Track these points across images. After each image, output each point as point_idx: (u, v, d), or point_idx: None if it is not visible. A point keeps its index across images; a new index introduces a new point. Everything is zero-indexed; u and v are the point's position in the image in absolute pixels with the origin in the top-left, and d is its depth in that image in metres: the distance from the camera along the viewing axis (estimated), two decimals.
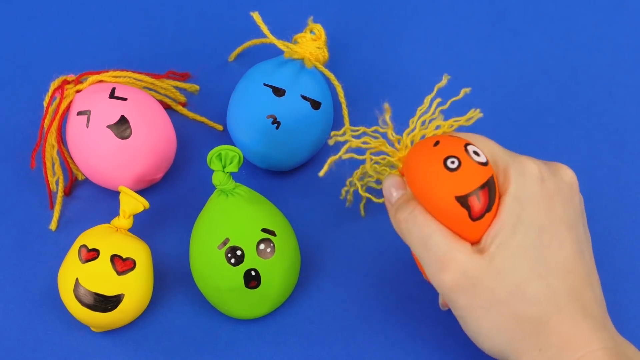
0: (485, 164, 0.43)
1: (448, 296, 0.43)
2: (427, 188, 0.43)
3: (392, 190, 0.45)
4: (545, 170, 0.44)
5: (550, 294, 0.41)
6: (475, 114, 0.45)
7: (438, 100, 0.45)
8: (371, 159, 0.47)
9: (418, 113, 0.46)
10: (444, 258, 0.42)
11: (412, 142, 0.46)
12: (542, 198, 0.43)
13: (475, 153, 0.43)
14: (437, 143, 0.43)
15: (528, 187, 0.43)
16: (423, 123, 0.45)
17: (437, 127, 0.46)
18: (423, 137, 0.46)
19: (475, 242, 0.43)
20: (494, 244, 0.42)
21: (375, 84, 0.61)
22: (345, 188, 0.53)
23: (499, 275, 0.42)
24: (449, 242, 0.42)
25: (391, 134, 0.45)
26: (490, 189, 0.42)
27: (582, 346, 0.41)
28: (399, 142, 0.46)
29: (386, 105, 0.45)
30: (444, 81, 0.45)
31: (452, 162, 0.42)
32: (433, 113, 0.45)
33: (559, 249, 0.42)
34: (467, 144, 0.43)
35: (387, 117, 0.45)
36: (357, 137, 0.46)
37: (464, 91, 0.45)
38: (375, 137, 0.46)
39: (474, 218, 0.42)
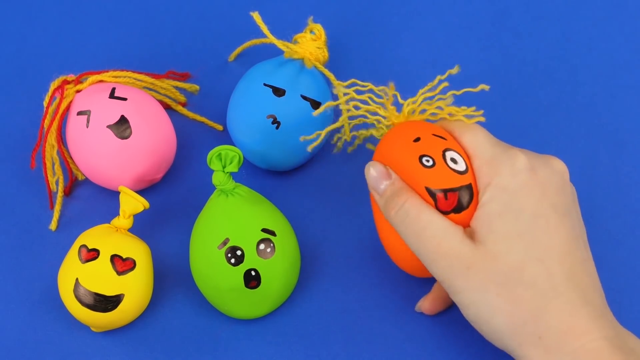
0: (461, 172, 0.44)
1: (445, 283, 0.43)
2: (401, 175, 0.45)
3: (379, 182, 0.45)
4: (536, 160, 0.44)
5: (548, 277, 0.41)
6: (477, 115, 0.46)
7: (445, 84, 0.46)
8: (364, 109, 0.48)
9: (428, 86, 0.47)
10: (438, 247, 0.42)
11: (412, 112, 0.47)
12: (533, 187, 0.43)
13: (453, 160, 0.44)
14: (418, 139, 0.45)
15: (518, 177, 0.43)
16: (429, 99, 0.47)
17: (439, 108, 0.47)
18: (423, 111, 0.47)
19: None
20: (483, 230, 0.42)
21: (375, 84, 0.61)
22: (338, 134, 0.52)
23: (493, 259, 0.42)
24: (442, 230, 0.43)
25: (392, 94, 0.47)
26: (462, 196, 0.43)
27: (582, 334, 0.40)
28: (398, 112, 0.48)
29: (391, 85, 0.47)
30: (455, 69, 0.46)
31: (427, 161, 0.44)
32: (440, 92, 0.47)
33: (555, 233, 0.42)
34: (446, 150, 0.44)
35: (391, 93, 0.47)
36: (361, 93, 0.48)
37: (482, 87, 0.46)
38: (379, 97, 0.48)
39: (440, 210, 0.43)
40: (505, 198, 0.43)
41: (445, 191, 0.43)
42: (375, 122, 0.48)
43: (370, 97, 0.48)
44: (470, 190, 0.44)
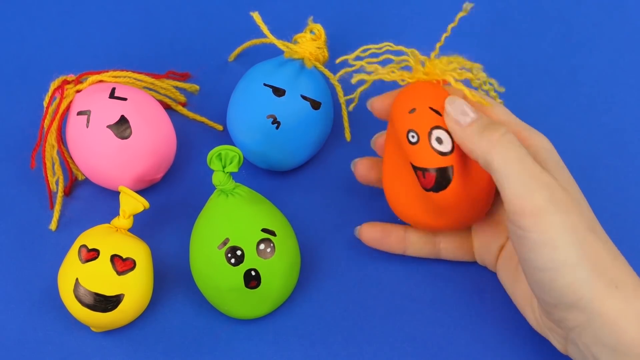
0: (444, 153, 0.44)
1: (541, 214, 0.41)
2: (390, 146, 0.48)
3: (468, 110, 0.44)
4: None
5: (607, 240, 0.43)
6: (494, 95, 0.48)
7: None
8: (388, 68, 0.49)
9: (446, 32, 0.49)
10: (541, 175, 0.42)
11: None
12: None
13: (438, 140, 0.44)
14: (413, 110, 0.45)
15: (547, 142, 0.47)
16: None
17: (462, 68, 0.48)
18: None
19: (414, 207, 0.47)
20: (557, 177, 0.43)
21: (375, 84, 0.61)
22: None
23: (577, 204, 0.42)
24: (537, 164, 0.43)
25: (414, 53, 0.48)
26: (439, 177, 0.44)
27: None
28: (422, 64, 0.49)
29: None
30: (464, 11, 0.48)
31: (413, 137, 0.45)
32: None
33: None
34: (434, 127, 0.45)
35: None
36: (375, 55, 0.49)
37: (469, 5, 0.48)
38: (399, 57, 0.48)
39: (422, 187, 0.45)
40: (550, 154, 0.45)
41: (423, 170, 0.45)
42: (399, 80, 0.48)
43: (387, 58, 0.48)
44: (449, 172, 0.44)
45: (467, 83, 0.52)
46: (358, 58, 0.49)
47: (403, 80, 0.48)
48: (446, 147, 0.44)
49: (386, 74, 0.48)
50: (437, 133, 0.45)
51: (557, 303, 0.42)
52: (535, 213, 0.41)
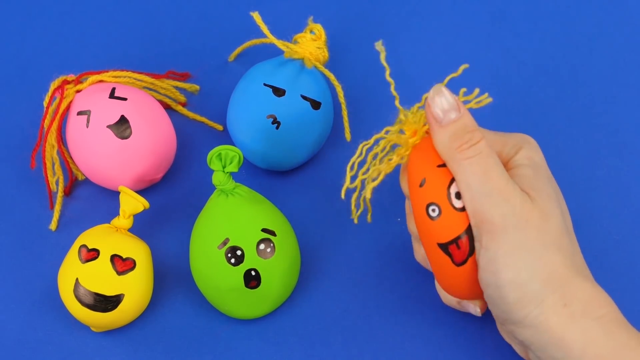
0: (463, 209, 0.42)
1: (497, 232, 0.41)
2: (417, 225, 0.45)
3: (449, 112, 0.43)
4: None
5: (574, 253, 0.43)
6: (484, 99, 0.45)
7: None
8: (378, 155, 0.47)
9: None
10: (504, 188, 0.41)
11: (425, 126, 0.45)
12: (543, 159, 0.45)
13: (457, 196, 0.42)
14: (423, 182, 0.43)
15: (537, 150, 0.45)
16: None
17: None
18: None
19: (461, 289, 0.44)
20: (532, 189, 0.42)
21: (375, 84, 0.61)
22: (355, 199, 0.49)
23: (545, 219, 0.42)
24: (507, 177, 0.42)
25: (401, 110, 0.45)
26: (470, 237, 0.43)
27: (604, 305, 0.41)
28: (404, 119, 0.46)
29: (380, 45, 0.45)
30: (459, 71, 0.45)
31: (433, 211, 0.43)
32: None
33: (567, 212, 0.45)
34: (450, 183, 0.43)
35: (382, 58, 0.45)
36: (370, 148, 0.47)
37: (463, 67, 0.45)
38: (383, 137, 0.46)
39: (457, 263, 0.43)
40: (533, 164, 0.44)
41: (456, 240, 0.43)
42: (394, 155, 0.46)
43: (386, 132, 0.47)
44: (471, 230, 0.43)
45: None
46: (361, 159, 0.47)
47: (403, 159, 0.45)
48: (462, 202, 0.43)
49: (387, 166, 0.45)
50: (453, 189, 0.43)
51: (506, 318, 0.43)
52: (491, 230, 0.41)
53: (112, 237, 0.49)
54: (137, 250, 0.49)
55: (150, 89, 0.59)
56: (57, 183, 0.56)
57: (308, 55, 0.55)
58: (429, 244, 0.44)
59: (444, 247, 0.43)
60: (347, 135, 0.58)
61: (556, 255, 0.41)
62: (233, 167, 0.48)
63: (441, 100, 0.43)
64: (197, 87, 0.61)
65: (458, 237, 0.42)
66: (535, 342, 0.42)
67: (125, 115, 0.52)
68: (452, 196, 0.43)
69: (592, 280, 0.43)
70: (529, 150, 0.45)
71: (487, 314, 0.50)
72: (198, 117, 0.60)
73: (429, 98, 0.43)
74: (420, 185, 0.43)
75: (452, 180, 0.43)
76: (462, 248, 0.43)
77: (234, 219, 0.48)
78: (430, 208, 0.43)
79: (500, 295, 0.42)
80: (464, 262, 0.43)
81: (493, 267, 0.41)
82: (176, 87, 0.61)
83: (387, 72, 0.45)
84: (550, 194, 0.43)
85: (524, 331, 0.42)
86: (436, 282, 0.48)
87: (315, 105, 0.54)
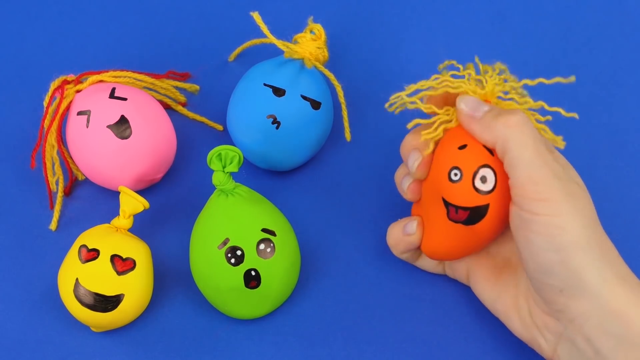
0: (485, 192, 0.44)
1: (543, 192, 0.42)
2: (432, 177, 0.47)
3: (480, 105, 0.45)
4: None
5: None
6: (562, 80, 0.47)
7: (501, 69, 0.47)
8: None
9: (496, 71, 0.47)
10: (552, 163, 0.43)
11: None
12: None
13: (483, 179, 0.44)
14: (463, 147, 0.45)
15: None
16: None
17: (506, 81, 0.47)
18: (505, 93, 0.47)
19: (439, 242, 0.47)
20: (567, 170, 0.44)
21: (375, 84, 0.61)
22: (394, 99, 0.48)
23: (586, 196, 0.44)
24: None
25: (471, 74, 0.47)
26: (473, 214, 0.45)
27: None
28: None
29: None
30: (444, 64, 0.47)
31: (455, 175, 0.45)
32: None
33: None
34: (482, 166, 0.44)
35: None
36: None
37: (572, 79, 0.47)
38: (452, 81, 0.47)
39: (450, 218, 0.46)
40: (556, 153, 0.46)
41: (457, 207, 0.45)
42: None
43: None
44: (485, 209, 0.45)
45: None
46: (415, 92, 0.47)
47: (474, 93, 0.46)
48: (489, 185, 0.44)
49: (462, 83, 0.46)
50: (483, 172, 0.45)
51: (563, 287, 0.41)
52: (547, 198, 0.41)
53: (112, 237, 0.49)
54: (137, 250, 0.49)
55: (150, 89, 0.59)
56: (57, 183, 0.56)
57: (308, 55, 0.55)
58: (433, 195, 0.46)
59: (446, 202, 0.45)
60: (347, 135, 0.58)
61: (602, 231, 0.43)
62: (233, 167, 0.48)
63: (469, 102, 0.45)
64: (197, 87, 0.61)
65: (462, 207, 0.45)
66: (592, 316, 0.41)
67: (125, 115, 0.52)
68: (478, 176, 0.44)
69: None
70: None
71: (487, 313, 0.50)
72: (198, 117, 0.60)
73: (458, 109, 0.45)
74: (460, 148, 0.45)
75: (484, 165, 0.44)
76: (459, 216, 0.45)
77: (234, 219, 0.48)
78: (453, 172, 0.45)
79: (562, 259, 0.41)
80: (454, 221, 0.46)
81: (553, 231, 0.41)
82: (176, 87, 0.61)
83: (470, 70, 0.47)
84: (579, 179, 0.45)
85: (582, 303, 0.41)
86: (392, 233, 0.50)
87: (315, 105, 0.54)
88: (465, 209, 0.45)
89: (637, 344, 0.40)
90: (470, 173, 0.45)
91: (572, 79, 0.46)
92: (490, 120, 0.44)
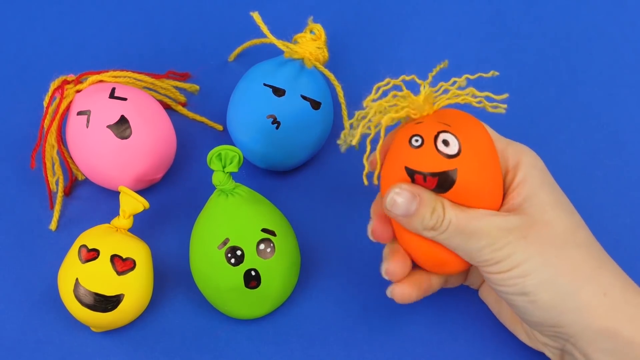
0: (451, 156, 0.43)
1: (505, 261, 0.42)
2: (389, 156, 0.44)
3: (410, 206, 0.43)
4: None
5: (595, 241, 0.43)
6: (500, 106, 0.45)
7: (465, 77, 0.45)
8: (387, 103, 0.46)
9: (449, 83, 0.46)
10: (490, 233, 0.42)
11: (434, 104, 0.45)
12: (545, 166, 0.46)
13: (445, 142, 0.43)
14: (419, 123, 0.44)
15: (537, 157, 0.45)
16: (446, 92, 0.46)
17: (466, 95, 0.46)
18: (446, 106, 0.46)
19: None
20: (530, 202, 0.43)
21: (375, 84, 0.61)
22: (345, 132, 0.47)
23: (546, 226, 0.42)
24: (488, 219, 0.42)
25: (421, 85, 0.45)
26: (443, 180, 0.43)
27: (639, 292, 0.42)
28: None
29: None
30: (444, 63, 0.46)
31: (416, 141, 0.43)
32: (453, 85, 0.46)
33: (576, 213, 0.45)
34: (441, 131, 0.43)
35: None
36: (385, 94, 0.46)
37: (493, 73, 0.46)
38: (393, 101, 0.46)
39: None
40: (538, 173, 0.44)
41: (426, 174, 0.43)
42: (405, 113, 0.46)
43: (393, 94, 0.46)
44: (454, 174, 0.43)
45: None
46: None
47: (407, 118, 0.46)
48: (452, 149, 0.43)
49: (391, 117, 0.45)
50: (444, 136, 0.43)
51: (542, 322, 0.43)
52: (495, 261, 0.42)
53: (112, 237, 0.49)
54: (137, 250, 0.49)
55: (150, 89, 0.59)
56: (57, 183, 0.56)
57: (308, 55, 0.55)
58: (395, 167, 0.44)
59: (410, 172, 0.43)
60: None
61: (574, 251, 0.42)
62: (233, 167, 0.48)
63: (401, 199, 0.43)
64: (197, 87, 0.61)
65: (430, 174, 0.43)
66: (584, 335, 0.42)
67: (125, 115, 0.53)
68: (440, 140, 0.43)
69: (617, 268, 0.43)
70: (526, 155, 0.45)
71: (487, 313, 0.50)
72: (198, 117, 0.60)
73: (387, 205, 0.43)
74: (417, 123, 0.44)
75: (443, 131, 0.43)
76: (428, 184, 0.43)
77: (234, 219, 0.48)
78: (414, 138, 0.43)
79: (532, 300, 0.42)
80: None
81: (515, 280, 0.42)
82: (176, 87, 0.61)
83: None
84: (555, 194, 0.44)
85: (569, 328, 0.42)
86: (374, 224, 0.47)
87: (315, 105, 0.54)
88: (433, 174, 0.43)
89: (627, 353, 0.41)
90: (431, 137, 0.43)
91: (495, 73, 0.46)
92: (420, 226, 0.43)
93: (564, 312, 0.42)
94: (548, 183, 0.45)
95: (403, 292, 0.46)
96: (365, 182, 0.45)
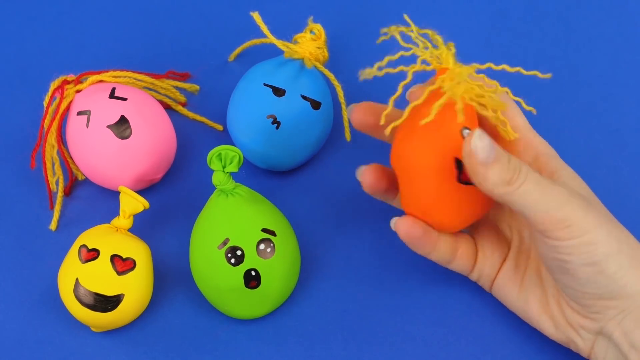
0: None
1: (577, 222, 0.43)
2: (430, 136, 0.45)
3: (492, 150, 0.43)
4: None
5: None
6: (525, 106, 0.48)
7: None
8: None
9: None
10: (558, 191, 0.43)
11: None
12: None
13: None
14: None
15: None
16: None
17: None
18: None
19: (448, 206, 0.46)
20: (568, 181, 0.46)
21: (375, 84, 0.61)
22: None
23: (595, 203, 0.45)
24: (560, 184, 0.44)
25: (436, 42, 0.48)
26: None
27: None
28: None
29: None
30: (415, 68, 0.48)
31: (467, 133, 0.44)
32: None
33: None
34: (464, 128, 0.45)
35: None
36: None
37: (536, 73, 0.49)
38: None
39: (461, 181, 0.45)
40: (555, 160, 0.48)
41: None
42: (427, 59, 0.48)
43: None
44: None
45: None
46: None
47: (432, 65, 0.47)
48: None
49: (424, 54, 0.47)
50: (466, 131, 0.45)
51: (602, 293, 0.43)
52: (568, 224, 0.42)
53: (112, 237, 0.49)
54: (137, 250, 0.49)
55: (150, 89, 0.59)
56: (57, 183, 0.56)
57: (308, 55, 0.55)
58: (443, 156, 0.45)
59: (459, 163, 0.44)
60: (347, 135, 0.58)
61: (621, 230, 0.44)
62: (233, 167, 0.48)
63: (484, 144, 0.43)
64: (197, 87, 0.61)
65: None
66: (632, 311, 0.43)
67: (125, 115, 0.53)
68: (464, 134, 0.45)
69: None
70: (545, 146, 0.48)
71: (488, 313, 0.50)
72: (198, 117, 0.60)
73: (472, 144, 0.43)
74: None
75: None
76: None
77: (234, 219, 0.48)
78: (465, 131, 0.44)
79: (599, 270, 0.42)
80: (466, 183, 0.45)
81: (585, 248, 0.42)
82: (176, 87, 0.61)
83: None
84: (580, 180, 0.47)
85: (621, 303, 0.43)
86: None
87: (315, 105, 0.54)
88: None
89: None
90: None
91: (548, 75, 0.48)
92: (495, 179, 0.43)
93: (624, 285, 0.43)
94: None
95: (407, 224, 0.47)
96: (383, 120, 0.46)
